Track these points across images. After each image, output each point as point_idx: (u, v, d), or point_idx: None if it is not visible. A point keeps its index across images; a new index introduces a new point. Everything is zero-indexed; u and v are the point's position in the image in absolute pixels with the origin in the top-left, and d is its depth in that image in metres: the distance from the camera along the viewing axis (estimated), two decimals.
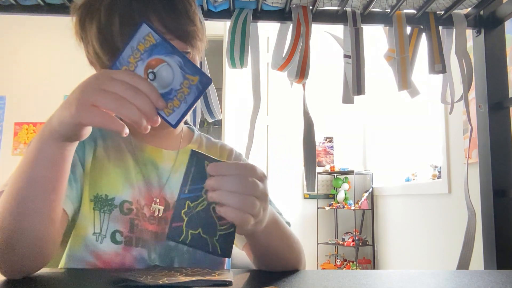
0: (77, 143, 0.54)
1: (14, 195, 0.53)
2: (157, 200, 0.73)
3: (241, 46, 1.16)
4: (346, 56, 1.19)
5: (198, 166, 0.51)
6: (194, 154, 0.51)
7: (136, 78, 0.48)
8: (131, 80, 0.48)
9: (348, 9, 1.19)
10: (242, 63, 1.17)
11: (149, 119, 0.48)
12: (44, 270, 0.60)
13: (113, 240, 0.69)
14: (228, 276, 0.56)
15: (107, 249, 0.68)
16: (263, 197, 0.52)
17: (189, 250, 0.72)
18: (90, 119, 0.47)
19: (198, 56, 0.75)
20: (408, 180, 3.61)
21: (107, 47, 0.65)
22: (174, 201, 0.74)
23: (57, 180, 0.54)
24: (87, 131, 0.52)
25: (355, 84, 1.15)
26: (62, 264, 0.70)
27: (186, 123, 0.90)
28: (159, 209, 0.72)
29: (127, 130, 0.49)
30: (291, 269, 0.67)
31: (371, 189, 4.10)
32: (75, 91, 0.49)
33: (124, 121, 0.51)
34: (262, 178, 0.52)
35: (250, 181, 0.50)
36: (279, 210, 0.76)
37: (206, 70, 1.20)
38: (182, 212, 0.50)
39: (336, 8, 1.18)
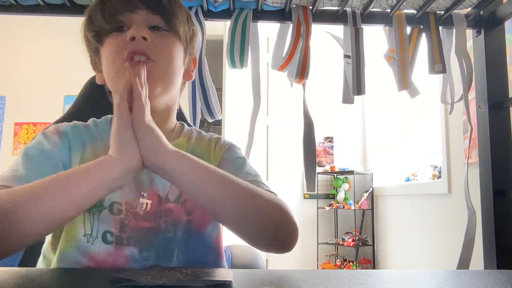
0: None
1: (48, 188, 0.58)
2: (145, 195, 0.72)
3: (241, 46, 1.16)
4: (346, 56, 1.19)
5: None
6: None
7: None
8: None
9: (348, 9, 1.19)
10: (242, 63, 1.17)
11: None
12: (41, 270, 0.60)
13: (104, 240, 0.69)
14: (228, 276, 0.56)
15: (99, 250, 0.68)
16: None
17: (185, 239, 0.72)
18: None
19: (182, 44, 0.78)
20: (408, 180, 3.61)
21: (93, 27, 0.75)
22: (165, 194, 0.74)
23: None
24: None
25: (355, 84, 1.15)
26: (53, 266, 0.69)
27: (180, 119, 0.90)
28: (146, 203, 0.72)
29: None
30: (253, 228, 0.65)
31: (371, 189, 4.10)
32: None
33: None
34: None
35: None
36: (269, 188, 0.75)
37: (206, 70, 1.20)
38: None
39: (336, 8, 1.18)
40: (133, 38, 0.71)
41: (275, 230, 0.66)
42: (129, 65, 0.70)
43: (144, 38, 0.71)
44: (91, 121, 0.82)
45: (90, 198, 0.60)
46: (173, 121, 0.84)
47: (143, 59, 0.71)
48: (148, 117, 0.61)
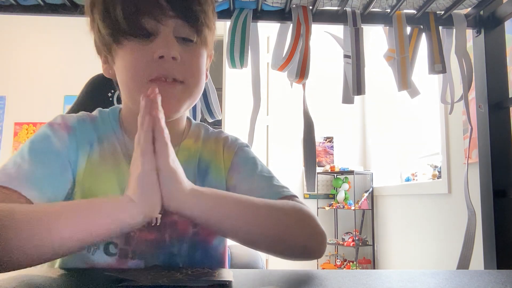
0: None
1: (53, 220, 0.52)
2: None
3: (241, 46, 1.16)
4: (346, 56, 1.19)
5: None
6: None
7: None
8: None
9: (348, 9, 1.19)
10: (242, 63, 1.17)
11: None
12: (42, 270, 0.60)
13: (106, 252, 0.66)
14: (228, 276, 0.56)
15: (100, 261, 0.65)
16: None
17: (190, 253, 0.69)
18: None
19: (207, 51, 0.72)
20: (408, 180, 3.61)
21: (109, 21, 0.65)
22: None
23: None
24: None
25: (355, 84, 1.15)
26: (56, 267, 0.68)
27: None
28: (156, 218, 0.65)
29: None
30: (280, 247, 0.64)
31: (371, 189, 4.10)
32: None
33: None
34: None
35: None
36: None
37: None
38: None
39: (336, 8, 1.18)
40: (161, 56, 0.64)
41: (305, 245, 0.66)
42: (157, 87, 0.61)
43: (174, 58, 0.64)
44: (97, 112, 0.76)
45: (95, 236, 0.54)
46: (185, 120, 0.79)
47: (170, 80, 0.65)
48: (172, 158, 0.56)
